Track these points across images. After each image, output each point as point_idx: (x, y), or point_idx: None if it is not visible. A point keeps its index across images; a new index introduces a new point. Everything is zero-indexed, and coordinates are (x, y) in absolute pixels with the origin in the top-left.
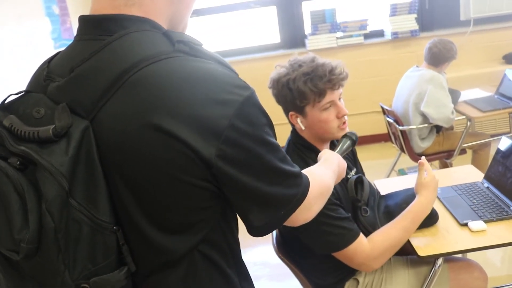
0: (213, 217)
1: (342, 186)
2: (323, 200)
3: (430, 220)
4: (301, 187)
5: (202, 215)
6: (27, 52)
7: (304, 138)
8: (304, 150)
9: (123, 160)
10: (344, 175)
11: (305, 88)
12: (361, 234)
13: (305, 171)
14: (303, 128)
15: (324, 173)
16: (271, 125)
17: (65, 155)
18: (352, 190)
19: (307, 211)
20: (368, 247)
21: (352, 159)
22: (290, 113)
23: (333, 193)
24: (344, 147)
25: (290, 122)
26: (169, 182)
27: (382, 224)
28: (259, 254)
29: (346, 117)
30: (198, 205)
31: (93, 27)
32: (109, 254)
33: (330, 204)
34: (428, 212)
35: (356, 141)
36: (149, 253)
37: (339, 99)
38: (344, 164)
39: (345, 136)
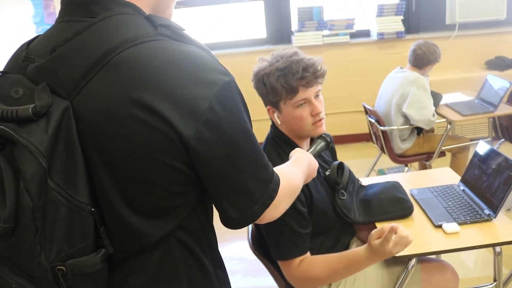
0: (191, 203)
1: (315, 181)
2: (291, 199)
3: (405, 211)
4: (272, 183)
5: (179, 200)
6: (7, 36)
7: (283, 132)
8: (282, 145)
9: (103, 140)
10: (314, 175)
11: (277, 84)
12: (301, 256)
13: (275, 170)
14: (279, 122)
15: (293, 173)
16: (249, 115)
17: (44, 135)
18: (334, 172)
19: (274, 209)
20: (294, 268)
21: (331, 162)
22: (267, 107)
23: (302, 198)
24: (318, 148)
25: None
26: (147, 163)
27: (358, 210)
28: (236, 249)
29: (322, 114)
30: (175, 189)
31: (76, 8)
32: (86, 237)
33: (296, 212)
34: (365, 267)
35: (331, 143)
36: (125, 237)
37: (317, 96)
38: (315, 164)
39: (319, 137)
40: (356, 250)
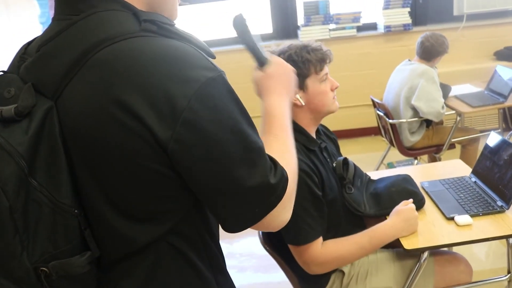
0: (183, 208)
1: (327, 171)
2: (294, 195)
3: (416, 204)
4: (282, 182)
5: (167, 205)
6: (13, 36)
7: (295, 122)
8: (294, 133)
9: (84, 142)
10: (296, 85)
11: (309, 56)
12: (320, 238)
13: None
14: (303, 103)
15: (290, 161)
16: (241, 112)
17: (24, 135)
18: (340, 168)
19: (275, 218)
20: (318, 251)
21: (335, 154)
22: None
23: (316, 181)
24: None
25: None
26: (127, 166)
27: (369, 203)
28: (246, 245)
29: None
30: (161, 193)
31: (65, 6)
32: (71, 238)
33: (309, 193)
34: (391, 239)
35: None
36: (112, 240)
37: None
38: (286, 72)
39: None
40: (379, 223)
